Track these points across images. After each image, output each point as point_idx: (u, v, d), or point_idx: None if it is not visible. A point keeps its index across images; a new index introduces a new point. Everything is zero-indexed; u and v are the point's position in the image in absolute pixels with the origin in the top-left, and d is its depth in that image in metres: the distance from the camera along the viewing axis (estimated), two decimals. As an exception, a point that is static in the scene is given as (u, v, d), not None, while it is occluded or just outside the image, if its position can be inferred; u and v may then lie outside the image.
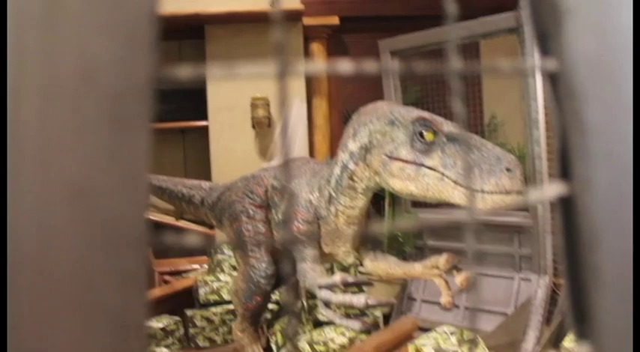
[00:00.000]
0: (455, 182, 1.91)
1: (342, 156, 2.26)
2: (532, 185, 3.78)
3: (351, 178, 2.24)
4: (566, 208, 0.37)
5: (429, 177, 1.96)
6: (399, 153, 2.02)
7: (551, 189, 0.36)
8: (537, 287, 3.97)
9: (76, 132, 0.28)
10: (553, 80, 0.37)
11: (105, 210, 0.29)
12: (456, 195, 1.91)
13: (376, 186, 2.23)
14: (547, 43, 0.37)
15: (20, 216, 0.31)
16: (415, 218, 4.45)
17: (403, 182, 2.02)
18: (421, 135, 1.99)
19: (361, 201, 2.31)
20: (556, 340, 3.65)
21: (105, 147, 0.29)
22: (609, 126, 0.34)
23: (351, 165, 2.22)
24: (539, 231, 3.92)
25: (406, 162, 2.01)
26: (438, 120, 2.00)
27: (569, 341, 3.36)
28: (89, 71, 0.29)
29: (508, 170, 1.81)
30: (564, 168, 0.37)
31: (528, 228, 4.01)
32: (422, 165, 1.97)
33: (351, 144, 2.22)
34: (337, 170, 2.29)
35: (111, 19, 0.29)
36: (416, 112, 2.05)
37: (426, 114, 2.02)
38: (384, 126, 2.09)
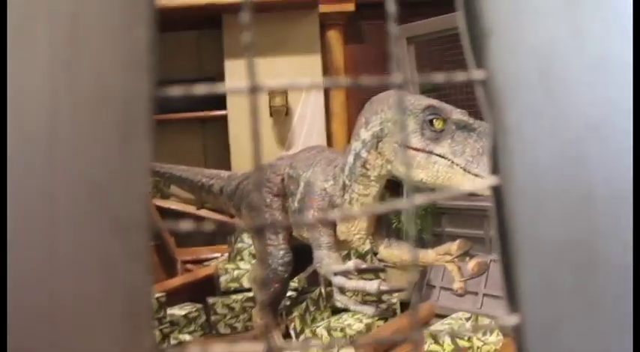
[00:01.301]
0: (464, 169, 1.94)
1: (355, 144, 2.30)
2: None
3: (363, 166, 2.28)
4: (496, 197, 0.41)
5: (439, 165, 2.00)
6: (409, 141, 2.06)
7: (486, 181, 0.40)
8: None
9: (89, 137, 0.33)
10: (483, 88, 0.41)
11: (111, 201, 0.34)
12: (465, 181, 1.94)
13: (388, 174, 2.27)
14: (477, 55, 0.41)
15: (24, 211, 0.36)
16: (433, 205, 4.47)
17: (414, 170, 2.06)
18: (431, 123, 2.03)
19: (374, 189, 2.35)
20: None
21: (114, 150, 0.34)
22: (524, 127, 0.38)
23: (364, 153, 2.26)
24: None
25: (417, 150, 2.04)
26: (448, 108, 2.03)
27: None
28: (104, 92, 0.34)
29: None
30: (494, 164, 0.41)
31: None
32: (431, 152, 2.01)
33: (364, 132, 2.26)
34: (350, 158, 2.33)
35: (120, 53, 0.34)
36: (426, 101, 2.08)
37: (435, 102, 2.05)
38: (395, 115, 2.12)
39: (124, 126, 0.37)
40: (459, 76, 0.41)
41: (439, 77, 0.40)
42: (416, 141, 2.04)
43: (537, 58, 0.37)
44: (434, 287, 4.43)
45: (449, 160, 1.98)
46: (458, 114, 2.00)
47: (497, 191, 0.40)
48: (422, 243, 4.43)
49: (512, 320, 0.39)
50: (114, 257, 0.37)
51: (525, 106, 0.38)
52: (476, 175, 1.91)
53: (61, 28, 0.33)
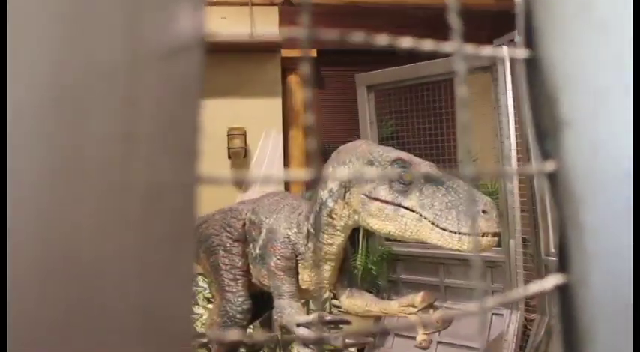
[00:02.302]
0: (432, 223, 1.94)
1: (322, 193, 2.29)
2: (504, 220, 3.84)
3: (330, 216, 2.26)
4: (563, 298, 0.39)
5: (407, 218, 2.00)
6: (377, 194, 2.05)
7: (550, 281, 0.39)
8: (509, 322, 4.00)
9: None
10: (551, 180, 0.40)
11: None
12: (434, 235, 1.94)
13: (355, 224, 2.25)
14: (545, 143, 0.40)
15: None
16: (389, 252, 4.48)
17: (382, 222, 2.06)
18: (399, 175, 2.04)
19: (339, 239, 2.33)
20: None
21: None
22: (604, 227, 0.37)
23: (331, 203, 2.24)
24: (511, 267, 3.97)
25: (385, 202, 2.04)
26: (416, 161, 2.04)
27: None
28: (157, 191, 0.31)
29: (484, 212, 1.85)
30: (562, 262, 0.40)
31: (501, 263, 4.06)
32: (400, 205, 2.00)
33: (331, 182, 2.25)
34: (317, 206, 2.31)
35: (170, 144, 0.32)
36: (395, 153, 2.09)
37: (404, 155, 2.06)
38: (363, 166, 2.12)
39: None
40: (529, 169, 0.40)
41: (505, 170, 0.39)
42: (384, 193, 2.04)
43: (618, 155, 0.36)
44: (388, 333, 4.41)
45: (417, 213, 1.98)
46: (426, 168, 2.01)
47: (566, 290, 0.38)
48: (377, 290, 4.42)
49: None
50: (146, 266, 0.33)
51: (603, 205, 0.37)
52: (444, 229, 1.91)
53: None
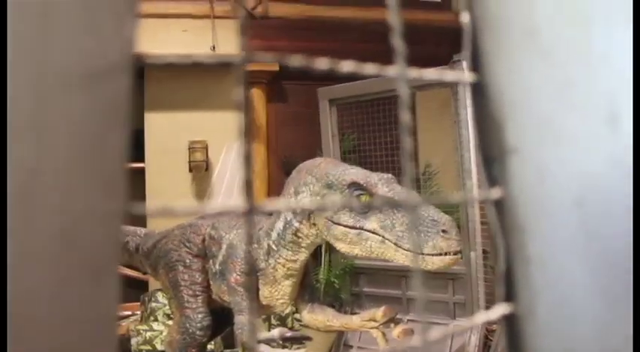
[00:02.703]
0: (395, 244, 1.95)
1: (285, 213, 2.27)
2: (465, 234, 3.87)
3: (295, 234, 2.25)
4: (510, 328, 0.38)
5: (371, 241, 2.00)
6: (339, 219, 2.06)
7: (497, 311, 0.38)
8: (471, 333, 4.03)
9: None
10: (497, 208, 0.39)
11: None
12: (399, 256, 1.95)
13: (321, 242, 2.26)
14: (492, 169, 0.39)
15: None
16: (351, 265, 4.47)
17: (347, 245, 2.07)
18: (358, 198, 2.04)
19: (304, 255, 2.33)
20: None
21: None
22: (551, 258, 0.36)
23: (295, 223, 2.23)
24: (472, 278, 4.00)
25: (347, 227, 2.04)
26: (372, 182, 2.03)
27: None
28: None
29: (444, 231, 1.87)
30: (508, 292, 0.39)
31: (462, 275, 4.08)
32: (362, 229, 2.01)
33: (293, 203, 2.24)
34: (279, 225, 2.29)
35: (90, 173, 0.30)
36: (349, 176, 2.07)
37: (359, 178, 2.05)
38: (322, 189, 2.12)
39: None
40: (477, 193, 0.39)
41: (454, 197, 0.38)
42: (345, 218, 2.04)
43: (572, 187, 0.35)
44: (351, 347, 4.40)
45: (380, 236, 1.98)
46: (384, 187, 2.00)
47: (510, 321, 0.37)
48: (340, 303, 4.40)
49: None
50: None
51: (549, 235, 0.36)
52: (407, 251, 1.92)
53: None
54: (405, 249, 1.92)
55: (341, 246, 2.10)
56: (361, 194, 2.02)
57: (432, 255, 1.86)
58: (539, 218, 0.36)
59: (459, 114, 4.03)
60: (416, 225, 1.87)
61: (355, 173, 2.08)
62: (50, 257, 0.28)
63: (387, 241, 1.96)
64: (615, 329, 0.34)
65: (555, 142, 0.36)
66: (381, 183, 2.02)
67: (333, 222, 2.06)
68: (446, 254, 1.87)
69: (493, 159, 0.38)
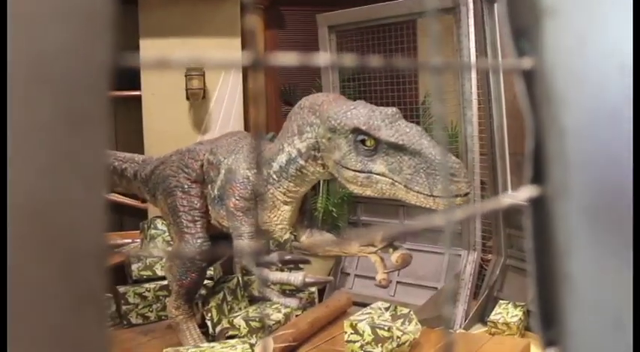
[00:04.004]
0: (406, 186, 1.95)
1: (289, 149, 2.25)
2: (464, 163, 3.86)
3: (299, 170, 2.24)
4: (537, 211, 0.36)
5: (382, 183, 2.01)
6: (347, 163, 2.05)
7: (523, 192, 0.36)
8: (466, 262, 4.08)
9: (26, 130, 0.25)
10: (528, 80, 0.36)
11: (60, 221, 0.26)
12: (410, 197, 1.96)
13: (328, 178, 2.27)
14: (523, 40, 0.36)
15: None
16: (349, 194, 4.48)
17: (359, 187, 2.07)
18: (362, 142, 2.01)
19: (306, 187, 2.34)
20: (482, 314, 3.78)
21: (58, 146, 0.26)
22: (588, 131, 0.33)
23: (300, 161, 2.22)
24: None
25: (355, 171, 2.03)
26: (375, 124, 1.99)
27: (494, 315, 3.48)
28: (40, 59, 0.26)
29: (452, 175, 1.87)
30: (538, 171, 0.36)
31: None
32: (370, 172, 2.00)
33: (298, 142, 2.21)
34: (282, 158, 2.27)
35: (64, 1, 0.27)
36: (351, 120, 2.04)
37: (361, 123, 2.01)
38: (327, 132, 2.09)
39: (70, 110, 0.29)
40: (504, 65, 0.36)
41: (482, 62, 0.35)
42: (352, 162, 2.03)
43: (607, 44, 0.32)
44: (348, 274, 4.46)
45: (389, 178, 1.98)
46: (387, 131, 1.96)
47: (541, 203, 0.35)
48: (338, 232, 4.44)
49: None
50: (63, 295, 0.29)
51: (588, 105, 0.33)
52: (418, 192, 1.92)
53: None
54: (415, 192, 1.93)
55: (353, 188, 2.11)
56: (365, 139, 2.00)
57: (443, 197, 1.88)
58: (578, 86, 0.34)
59: (461, 42, 3.95)
60: (424, 168, 1.88)
61: (357, 115, 2.04)
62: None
63: (397, 183, 1.96)
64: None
65: (597, 4, 0.33)
66: (385, 125, 1.99)
67: (341, 165, 2.06)
68: (456, 196, 1.89)
69: (524, 29, 0.35)
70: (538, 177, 0.36)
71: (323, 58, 0.33)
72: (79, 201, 0.26)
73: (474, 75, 3.91)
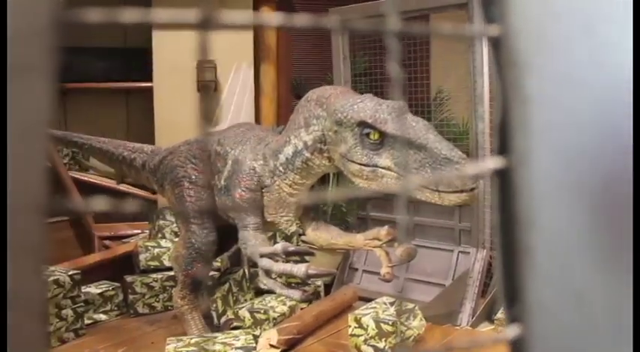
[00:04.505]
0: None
1: (295, 141, 2.25)
2: (475, 160, 3.84)
3: (305, 163, 2.24)
4: (502, 183, 0.35)
5: (387, 177, 1.99)
6: (352, 156, 2.03)
7: (488, 163, 0.35)
8: (475, 260, 4.06)
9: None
10: (495, 47, 0.35)
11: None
12: (416, 192, 1.93)
13: (334, 171, 2.27)
14: (491, 8, 0.35)
15: None
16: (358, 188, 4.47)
17: (365, 181, 2.06)
18: (368, 135, 2.00)
19: (312, 179, 2.33)
20: (490, 312, 3.76)
21: None
22: (552, 97, 0.32)
23: (306, 153, 2.22)
24: (478, 206, 4.00)
25: (361, 164, 2.02)
26: (381, 118, 1.98)
27: (501, 314, 3.46)
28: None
29: (458, 170, 1.86)
30: (503, 141, 0.35)
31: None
32: (376, 166, 1.99)
33: (304, 134, 2.21)
34: (288, 150, 2.27)
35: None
36: (358, 114, 2.02)
37: (368, 116, 1.99)
38: (333, 125, 2.08)
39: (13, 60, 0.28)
40: (470, 31, 0.35)
41: (436, 29, 0.34)
42: (358, 155, 2.02)
43: (580, 15, 0.31)
44: (356, 269, 4.45)
45: (395, 173, 1.96)
46: (393, 125, 1.95)
47: (505, 174, 0.34)
48: (346, 227, 4.43)
49: (512, 331, 0.34)
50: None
51: (551, 71, 0.32)
52: (424, 187, 1.91)
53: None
54: (421, 186, 1.91)
55: (359, 182, 2.09)
56: (370, 132, 1.99)
57: (448, 192, 1.86)
58: (543, 51, 0.33)
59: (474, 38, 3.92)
60: (429, 163, 1.86)
61: (364, 108, 2.02)
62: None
63: (402, 178, 1.94)
64: (613, 169, 0.31)
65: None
66: (391, 118, 1.97)
67: (347, 159, 2.05)
68: (462, 191, 1.86)
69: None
70: (504, 148, 0.35)
71: (276, 18, 0.32)
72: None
73: (486, 70, 3.88)
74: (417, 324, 2.61)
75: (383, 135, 1.98)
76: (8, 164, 0.25)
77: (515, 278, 0.33)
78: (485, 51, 3.86)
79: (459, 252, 4.20)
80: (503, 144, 0.35)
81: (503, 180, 0.35)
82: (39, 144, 0.26)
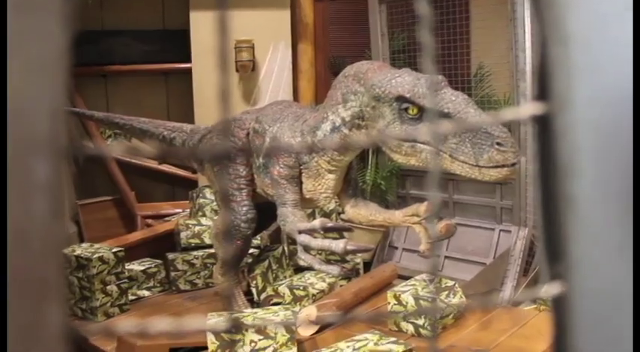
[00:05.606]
0: (451, 156, 1.90)
1: (333, 117, 2.23)
2: (515, 139, 3.77)
3: (344, 139, 2.22)
4: (542, 130, 0.34)
5: (426, 152, 1.96)
6: (391, 131, 2.01)
7: (527, 108, 0.33)
8: (517, 238, 4.00)
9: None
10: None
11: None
12: (455, 167, 1.90)
13: (373, 146, 2.25)
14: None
15: None
16: (398, 167, 4.44)
17: (403, 156, 2.03)
18: (406, 111, 1.97)
19: (351, 156, 2.32)
20: (532, 291, 3.71)
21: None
22: (594, 35, 0.31)
23: (345, 130, 2.20)
24: (520, 184, 3.93)
25: (400, 139, 2.00)
26: (419, 92, 1.95)
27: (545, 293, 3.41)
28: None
29: (499, 144, 1.81)
30: (542, 86, 0.34)
31: (510, 179, 4.01)
32: (415, 141, 1.96)
33: (342, 110, 2.19)
34: (326, 127, 2.26)
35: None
36: (395, 88, 1.99)
37: (406, 90, 1.96)
38: (371, 101, 2.06)
39: None
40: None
41: None
42: (398, 130, 2.00)
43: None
44: (396, 248, 4.45)
45: (434, 148, 1.93)
46: (429, 100, 1.91)
47: (544, 122, 0.32)
48: (386, 205, 4.42)
49: (555, 289, 0.32)
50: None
51: (593, 8, 0.30)
52: (463, 162, 1.88)
53: None
54: (460, 161, 1.88)
55: (397, 157, 2.07)
56: (409, 107, 1.96)
57: (489, 167, 1.83)
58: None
59: (515, 12, 3.83)
60: (470, 138, 1.82)
61: (402, 83, 1.99)
62: None
63: (441, 153, 1.91)
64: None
65: None
66: (430, 92, 1.94)
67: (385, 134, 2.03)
68: (503, 166, 1.83)
69: None
70: (543, 93, 0.33)
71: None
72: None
73: (528, 45, 3.80)
74: (456, 302, 2.59)
75: (421, 109, 1.95)
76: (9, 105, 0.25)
77: (558, 232, 0.32)
78: (527, 25, 3.78)
79: (500, 230, 4.15)
80: (542, 89, 0.34)
81: (544, 126, 0.34)
82: (53, 80, 0.26)
